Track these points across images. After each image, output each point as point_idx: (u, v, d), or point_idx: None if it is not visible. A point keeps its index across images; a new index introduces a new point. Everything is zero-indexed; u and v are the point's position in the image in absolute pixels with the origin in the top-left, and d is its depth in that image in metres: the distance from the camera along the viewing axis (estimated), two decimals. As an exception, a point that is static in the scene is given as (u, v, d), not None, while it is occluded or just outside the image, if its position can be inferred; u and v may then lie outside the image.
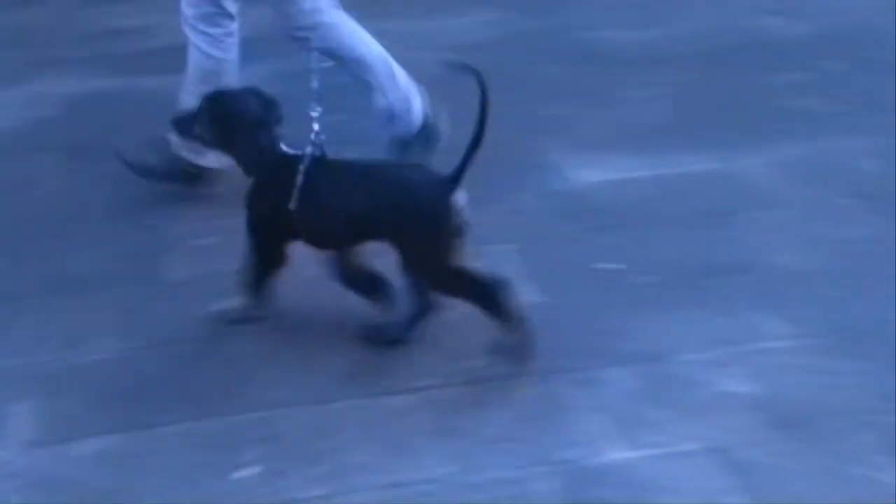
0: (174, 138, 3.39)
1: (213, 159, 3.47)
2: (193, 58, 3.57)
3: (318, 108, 2.88)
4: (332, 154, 2.83)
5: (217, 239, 3.40)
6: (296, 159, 2.78)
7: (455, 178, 2.63)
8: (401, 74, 3.74)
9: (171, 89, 3.68)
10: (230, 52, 3.59)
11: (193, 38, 3.56)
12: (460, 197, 2.65)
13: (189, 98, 3.32)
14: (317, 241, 2.84)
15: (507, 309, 2.66)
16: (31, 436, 2.60)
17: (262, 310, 2.95)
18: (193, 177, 3.70)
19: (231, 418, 2.61)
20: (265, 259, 2.89)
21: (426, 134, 3.74)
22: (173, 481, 2.42)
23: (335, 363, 2.80)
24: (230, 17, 3.57)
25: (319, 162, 2.80)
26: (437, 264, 2.68)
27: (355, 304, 2.91)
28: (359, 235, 2.80)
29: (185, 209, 3.64)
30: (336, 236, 2.82)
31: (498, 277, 2.69)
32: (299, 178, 2.75)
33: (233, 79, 3.51)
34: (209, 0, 3.52)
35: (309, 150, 2.80)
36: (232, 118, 2.85)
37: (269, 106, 2.85)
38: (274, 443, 2.52)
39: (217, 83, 3.33)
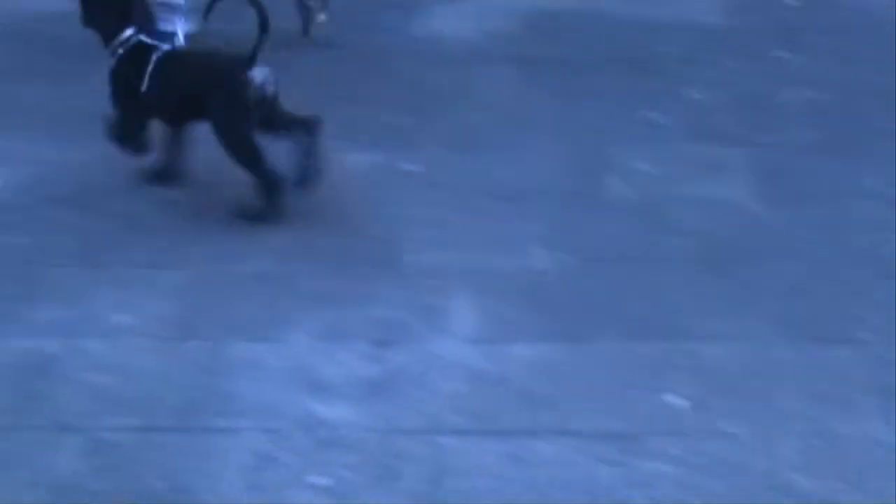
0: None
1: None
2: None
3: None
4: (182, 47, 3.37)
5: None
6: (151, 49, 3.29)
7: (250, 59, 3.14)
8: None
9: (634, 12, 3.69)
10: None
11: None
12: (257, 74, 3.15)
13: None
14: (162, 117, 3.35)
15: (273, 201, 3.20)
16: (470, 332, 2.72)
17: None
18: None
19: (661, 345, 2.63)
20: (129, 128, 3.37)
21: None
22: (603, 396, 2.46)
23: (767, 305, 2.77)
24: None
25: (170, 53, 3.30)
26: (233, 133, 3.20)
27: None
28: (188, 112, 3.29)
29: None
30: (174, 114, 3.33)
31: (280, 174, 3.17)
32: (150, 66, 3.26)
33: None
34: None
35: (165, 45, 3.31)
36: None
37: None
38: (701, 374, 2.51)
39: None
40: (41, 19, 4.75)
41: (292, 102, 3.27)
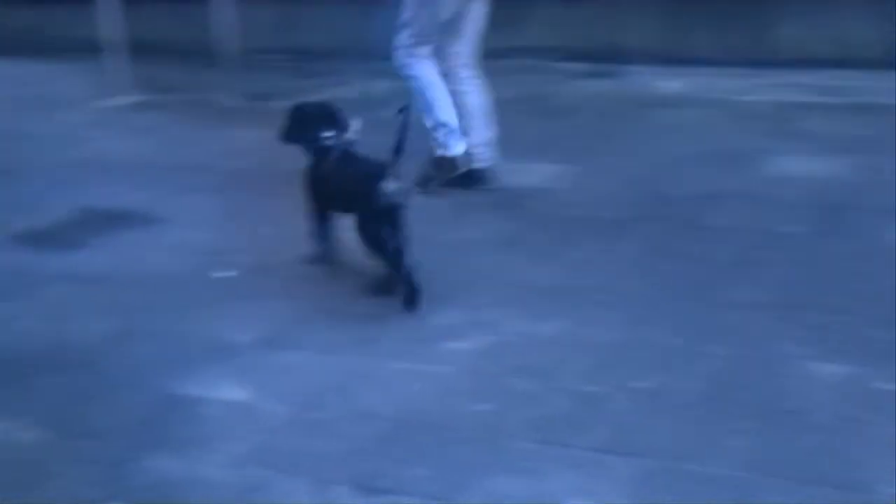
0: None
1: None
2: None
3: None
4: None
5: None
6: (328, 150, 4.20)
7: (385, 167, 3.87)
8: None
9: None
10: None
11: None
12: (390, 183, 3.86)
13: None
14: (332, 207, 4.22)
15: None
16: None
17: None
18: None
19: None
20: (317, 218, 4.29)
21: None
22: None
23: None
24: None
25: (343, 154, 4.16)
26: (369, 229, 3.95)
27: None
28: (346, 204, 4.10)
29: None
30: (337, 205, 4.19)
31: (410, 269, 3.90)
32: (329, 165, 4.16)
33: None
34: None
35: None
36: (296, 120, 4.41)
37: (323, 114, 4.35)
38: None
39: None
40: (529, 194, 5.00)
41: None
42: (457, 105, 5.11)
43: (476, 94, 5.22)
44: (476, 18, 5.18)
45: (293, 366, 3.57)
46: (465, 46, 5.21)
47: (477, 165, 5.20)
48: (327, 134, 4.25)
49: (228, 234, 4.76)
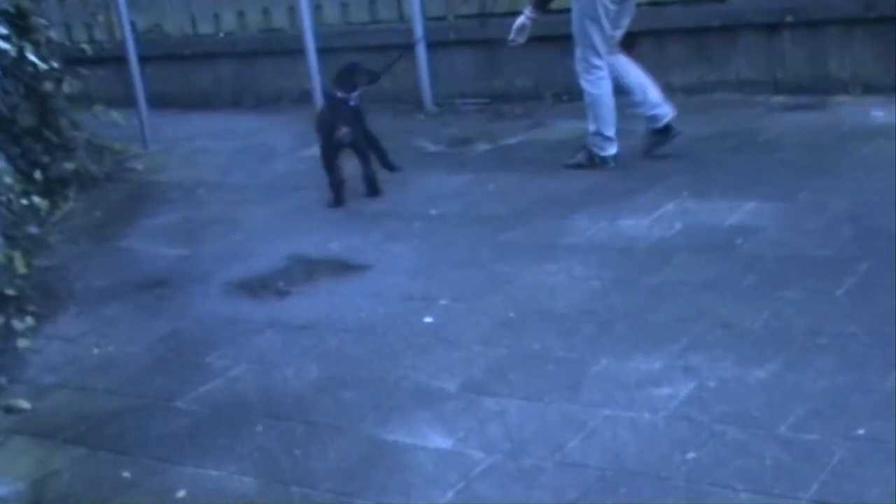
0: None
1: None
2: None
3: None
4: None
5: None
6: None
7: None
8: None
9: None
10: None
11: None
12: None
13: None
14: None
15: None
16: None
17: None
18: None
19: None
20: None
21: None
22: None
23: None
24: None
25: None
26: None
27: None
28: None
29: None
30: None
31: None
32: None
33: None
34: None
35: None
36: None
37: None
38: None
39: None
40: (736, 233, 4.89)
41: None
42: (623, 84, 6.17)
43: (632, 66, 6.22)
44: (630, 10, 6.13)
45: (498, 412, 3.56)
46: (621, 33, 6.18)
47: (663, 123, 6.20)
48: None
49: (431, 281, 4.80)
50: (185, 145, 8.28)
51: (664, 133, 6.22)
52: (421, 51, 8.09)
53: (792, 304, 4.12)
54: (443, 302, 4.52)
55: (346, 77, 6.14)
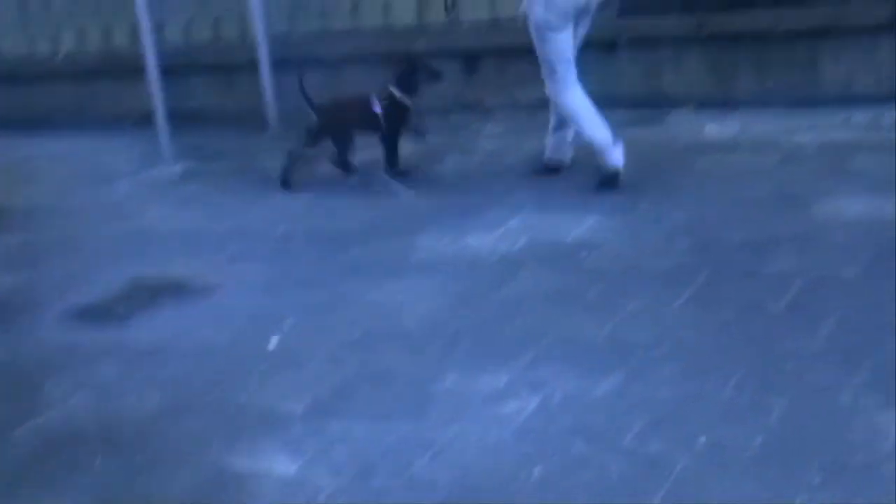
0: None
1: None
2: None
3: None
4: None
5: None
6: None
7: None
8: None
9: None
10: None
11: None
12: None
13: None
14: None
15: None
16: None
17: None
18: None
19: None
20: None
21: None
22: None
23: None
24: None
25: None
26: None
27: None
28: None
29: None
30: None
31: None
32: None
33: None
34: None
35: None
36: None
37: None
38: None
39: None
40: (578, 247, 4.95)
41: None
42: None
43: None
44: (586, 24, 5.88)
45: (345, 434, 3.52)
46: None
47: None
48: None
49: (276, 301, 4.73)
50: (23, 168, 8.02)
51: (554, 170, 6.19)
52: (264, 69, 8.01)
53: (634, 315, 4.18)
54: (289, 322, 4.46)
55: (406, 77, 6.11)
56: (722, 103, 7.08)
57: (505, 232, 5.28)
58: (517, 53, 7.64)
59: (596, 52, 7.44)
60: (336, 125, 6.33)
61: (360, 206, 6.06)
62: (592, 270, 4.68)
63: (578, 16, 5.76)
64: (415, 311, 4.46)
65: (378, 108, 6.22)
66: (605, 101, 7.39)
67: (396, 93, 6.21)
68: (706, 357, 3.78)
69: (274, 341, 4.30)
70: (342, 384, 3.87)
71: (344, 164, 6.43)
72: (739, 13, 7.18)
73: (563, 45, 5.75)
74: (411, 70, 6.22)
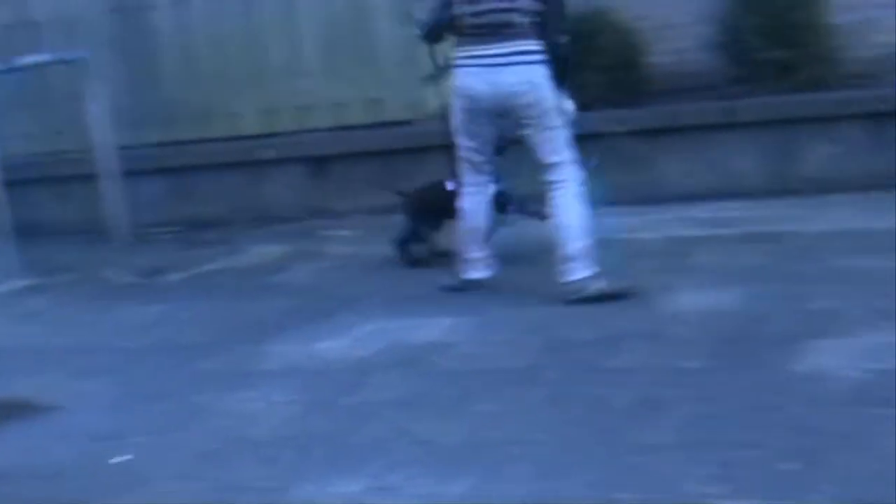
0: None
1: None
2: None
3: None
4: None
5: None
6: None
7: None
8: None
9: None
10: None
11: None
12: None
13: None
14: None
15: None
16: None
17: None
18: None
19: None
20: None
21: None
22: None
23: None
24: None
25: None
26: None
27: None
28: None
29: None
30: None
31: None
32: None
33: None
34: None
35: None
36: None
37: None
38: None
39: None
40: (428, 349, 4.97)
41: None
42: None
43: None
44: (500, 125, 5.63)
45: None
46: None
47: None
48: None
49: (125, 417, 4.63)
50: None
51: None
52: (109, 180, 7.91)
53: (487, 416, 4.21)
54: (138, 438, 4.36)
55: None
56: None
57: (356, 337, 5.28)
58: (365, 158, 7.75)
59: (445, 154, 7.58)
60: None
61: (207, 315, 6.00)
62: (445, 373, 4.71)
63: (483, 115, 5.48)
64: (267, 420, 4.41)
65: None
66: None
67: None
68: (558, 455, 3.81)
69: (119, 459, 4.18)
70: (192, 500, 3.79)
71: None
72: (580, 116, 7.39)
73: (461, 143, 5.64)
74: None
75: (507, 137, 5.72)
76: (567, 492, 3.55)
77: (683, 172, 7.34)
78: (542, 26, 5.36)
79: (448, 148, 7.42)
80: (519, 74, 5.34)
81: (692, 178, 7.30)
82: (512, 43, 5.32)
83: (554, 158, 5.46)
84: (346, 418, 4.33)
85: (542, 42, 5.34)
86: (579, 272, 5.37)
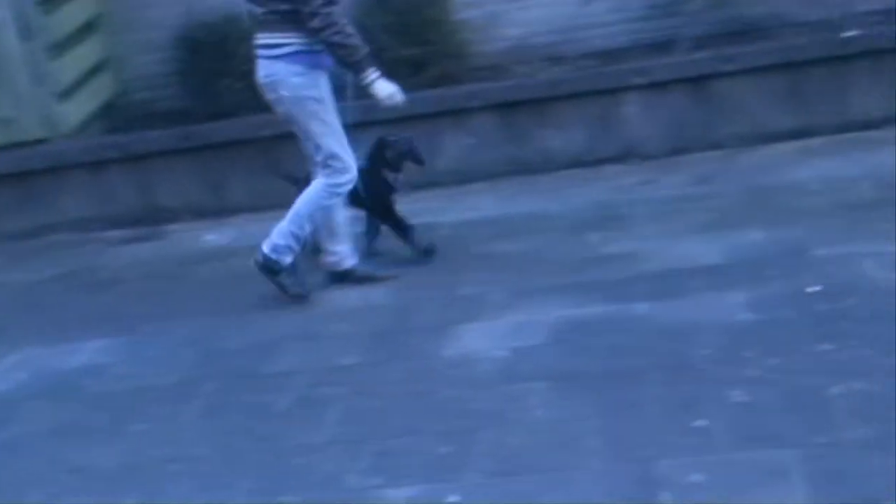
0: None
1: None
2: None
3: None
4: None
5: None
6: None
7: None
8: None
9: (662, 315, 3.71)
10: None
11: None
12: None
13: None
14: None
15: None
16: None
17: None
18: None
19: None
20: None
21: None
22: None
23: None
24: None
25: None
26: None
27: None
28: None
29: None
30: None
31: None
32: None
33: None
34: None
35: None
36: None
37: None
38: None
39: None
40: (80, 375, 4.81)
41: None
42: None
43: None
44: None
45: None
46: None
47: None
48: None
49: None
50: None
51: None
52: None
53: (144, 435, 4.13)
54: None
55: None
56: (217, 212, 7.16)
57: (2, 370, 5.03)
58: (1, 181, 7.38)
59: (83, 172, 7.35)
60: None
61: None
62: (98, 397, 4.57)
63: None
64: None
65: None
66: (99, 222, 7.29)
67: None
68: (219, 467, 3.79)
69: None
70: None
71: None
72: (225, 121, 7.32)
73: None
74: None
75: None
76: (232, 500, 3.53)
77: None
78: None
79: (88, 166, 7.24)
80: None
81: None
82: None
83: None
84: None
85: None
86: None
